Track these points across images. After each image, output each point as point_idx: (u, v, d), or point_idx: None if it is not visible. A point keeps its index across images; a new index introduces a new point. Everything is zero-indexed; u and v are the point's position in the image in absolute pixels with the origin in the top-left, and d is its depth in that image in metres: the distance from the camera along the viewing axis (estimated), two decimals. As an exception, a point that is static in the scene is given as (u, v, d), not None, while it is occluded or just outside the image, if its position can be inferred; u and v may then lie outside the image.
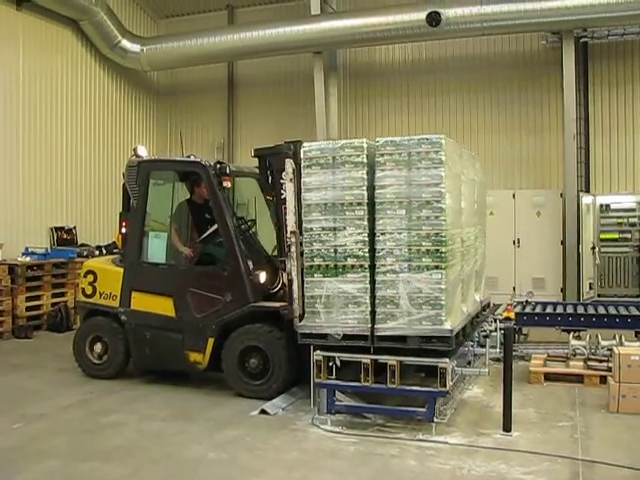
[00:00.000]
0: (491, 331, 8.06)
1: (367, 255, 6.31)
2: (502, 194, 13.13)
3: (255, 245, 8.45)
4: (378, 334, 6.27)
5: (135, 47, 14.79)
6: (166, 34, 16.13)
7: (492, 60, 14.02)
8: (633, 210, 13.02)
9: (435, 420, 6.15)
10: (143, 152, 8.46)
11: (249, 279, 7.57)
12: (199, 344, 7.67)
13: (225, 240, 7.78)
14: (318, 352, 6.47)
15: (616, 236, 12.97)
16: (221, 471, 5.41)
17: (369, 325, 6.30)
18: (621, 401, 6.76)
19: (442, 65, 14.37)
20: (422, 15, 12.43)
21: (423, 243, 6.11)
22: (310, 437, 6.17)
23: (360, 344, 6.34)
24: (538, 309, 9.43)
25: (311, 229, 6.49)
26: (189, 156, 8.76)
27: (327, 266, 6.43)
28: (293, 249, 6.77)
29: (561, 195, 12.76)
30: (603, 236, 13.03)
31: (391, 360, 6.21)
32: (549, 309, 9.42)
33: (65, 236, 13.32)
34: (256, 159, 7.59)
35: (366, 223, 6.31)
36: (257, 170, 7.74)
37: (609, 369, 7.45)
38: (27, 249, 12.16)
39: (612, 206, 13.12)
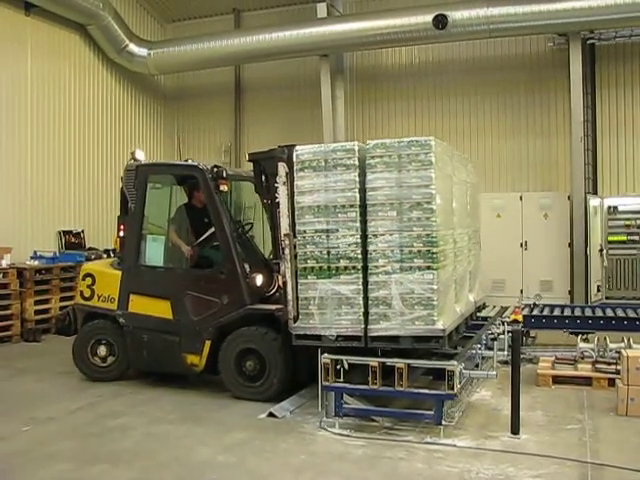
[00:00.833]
0: (499, 334, 8.08)
1: (360, 257, 6.40)
2: (509, 197, 13.13)
3: (251, 248, 8.50)
4: (371, 335, 6.35)
5: (142, 51, 14.85)
6: (173, 38, 16.19)
7: (499, 62, 14.00)
8: (641, 212, 12.98)
9: (443, 423, 6.15)
10: (141, 156, 8.52)
11: (246, 282, 7.64)
12: (196, 346, 7.75)
13: (222, 243, 7.85)
14: (326, 355, 6.48)
15: (624, 238, 12.90)
16: (229, 474, 5.41)
17: (362, 326, 6.39)
18: (630, 404, 6.74)
19: (449, 68, 14.36)
20: (428, 18, 12.43)
21: (415, 244, 6.21)
22: (318, 440, 6.18)
23: (354, 344, 6.41)
24: (546, 312, 9.40)
25: (304, 231, 6.59)
26: (187, 160, 8.82)
27: (320, 268, 6.52)
28: (287, 251, 6.83)
29: (568, 197, 12.73)
30: (611, 238, 12.97)
31: (399, 363, 6.21)
32: (557, 312, 9.40)
33: (73, 240, 13.37)
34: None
35: (358, 225, 6.41)
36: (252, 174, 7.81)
37: (617, 372, 7.42)
38: (35, 253, 12.21)
39: (620, 208, 13.05)
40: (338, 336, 6.48)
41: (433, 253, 6.17)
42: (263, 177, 7.56)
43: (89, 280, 8.58)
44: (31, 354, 10.20)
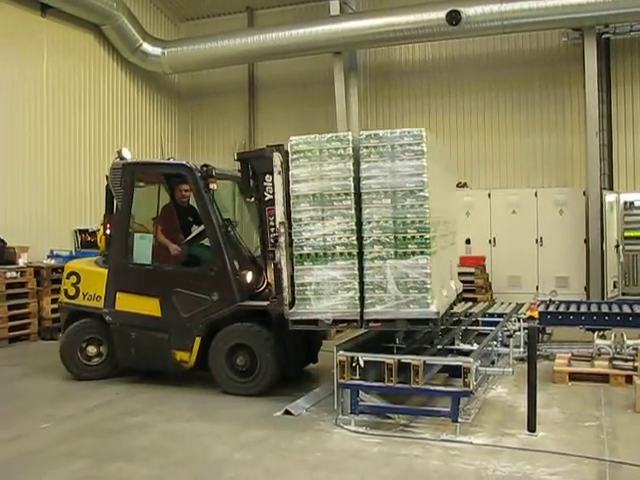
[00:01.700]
0: (515, 330, 8.06)
1: (355, 243, 6.55)
2: (524, 193, 13.10)
3: (239, 246, 8.53)
4: (367, 318, 6.51)
5: (156, 50, 14.94)
6: (186, 37, 16.26)
7: (513, 58, 13.96)
8: (657, 207, 12.90)
9: (459, 420, 6.13)
10: (127, 155, 8.54)
11: (236, 279, 7.70)
12: (186, 343, 7.80)
13: (212, 241, 7.90)
14: (342, 352, 6.49)
15: (640, 234, 12.84)
16: (246, 472, 5.43)
17: (358, 310, 6.53)
18: (647, 401, 6.70)
19: (462, 64, 14.33)
20: (442, 14, 12.43)
21: (408, 230, 6.40)
22: (334, 438, 6.18)
23: (353, 325, 6.66)
24: (562, 308, 9.36)
25: (300, 219, 6.72)
26: (169, 159, 8.98)
27: (316, 254, 6.65)
28: (282, 239, 6.90)
29: (584, 193, 12.68)
30: (627, 234, 12.91)
31: (415, 360, 6.22)
32: (573, 308, 9.35)
33: (89, 238, 13.44)
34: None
35: (353, 212, 6.56)
36: (237, 173, 7.87)
37: (635, 368, 7.38)
38: (52, 252, 12.32)
39: (636, 203, 13.00)
40: (334, 320, 6.63)
41: (426, 239, 6.35)
42: (251, 175, 7.57)
43: (74, 278, 8.53)
44: (48, 352, 10.24)
